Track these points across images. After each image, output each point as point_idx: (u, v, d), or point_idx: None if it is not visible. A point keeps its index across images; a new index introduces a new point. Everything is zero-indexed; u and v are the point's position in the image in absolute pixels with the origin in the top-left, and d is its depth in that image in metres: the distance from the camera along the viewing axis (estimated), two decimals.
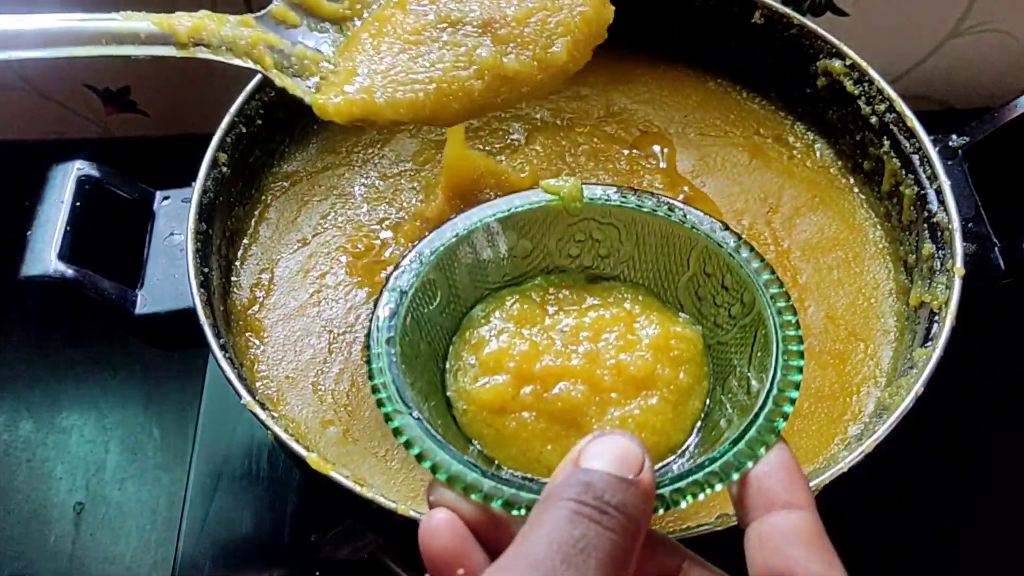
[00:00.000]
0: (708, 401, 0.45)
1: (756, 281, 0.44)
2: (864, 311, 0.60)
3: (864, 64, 0.63)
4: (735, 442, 0.38)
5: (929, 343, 0.54)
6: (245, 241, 0.62)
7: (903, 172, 0.61)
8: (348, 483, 0.47)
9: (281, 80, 0.50)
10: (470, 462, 0.38)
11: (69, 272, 0.55)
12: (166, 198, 0.61)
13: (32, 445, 0.76)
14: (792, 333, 0.42)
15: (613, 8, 0.53)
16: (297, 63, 0.51)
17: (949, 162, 0.61)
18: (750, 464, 0.37)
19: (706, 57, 0.71)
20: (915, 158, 0.60)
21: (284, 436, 0.49)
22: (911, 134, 0.61)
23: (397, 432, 0.39)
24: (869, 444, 0.49)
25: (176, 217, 0.60)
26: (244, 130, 0.61)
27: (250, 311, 0.59)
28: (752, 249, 0.45)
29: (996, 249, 0.60)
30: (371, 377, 0.41)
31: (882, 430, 0.49)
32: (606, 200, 0.48)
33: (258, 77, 0.62)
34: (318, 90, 0.50)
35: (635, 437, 0.35)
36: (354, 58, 0.51)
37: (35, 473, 0.75)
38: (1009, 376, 0.78)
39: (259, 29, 0.51)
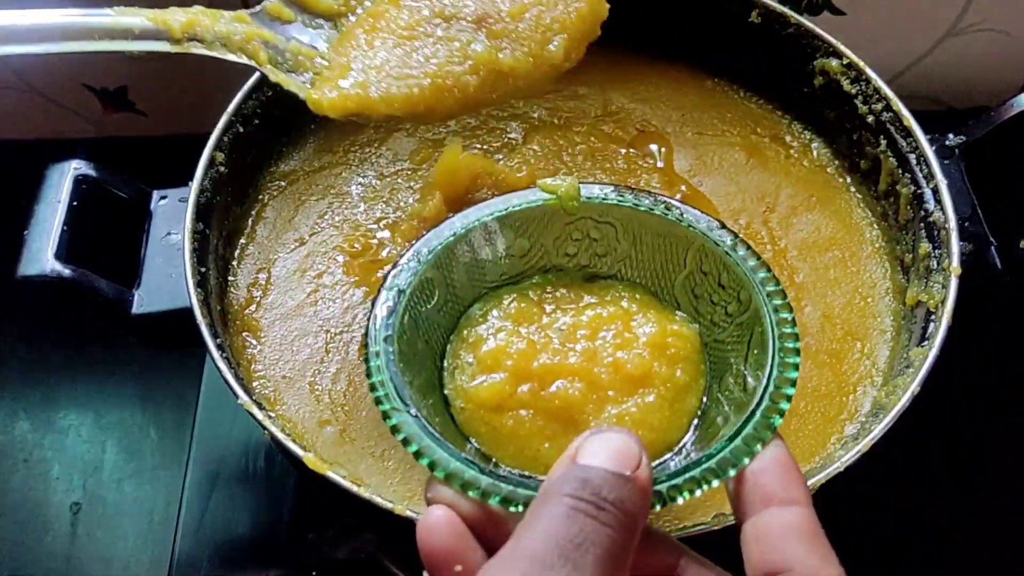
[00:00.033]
0: (705, 399, 0.46)
1: (752, 279, 0.44)
2: (861, 310, 0.60)
3: (861, 63, 0.63)
4: (732, 439, 0.38)
5: (925, 342, 0.54)
6: (242, 241, 0.62)
7: (900, 171, 0.61)
8: (345, 483, 0.47)
9: (275, 76, 0.50)
10: (468, 459, 0.38)
11: (66, 272, 0.55)
12: (163, 198, 0.61)
13: (29, 445, 0.76)
14: (788, 331, 0.42)
15: (608, 5, 0.53)
16: (292, 59, 0.51)
17: (946, 161, 0.61)
18: (747, 461, 0.37)
19: (703, 56, 0.71)
20: (912, 157, 0.60)
21: (281, 436, 0.49)
22: (908, 133, 0.61)
23: (395, 430, 0.39)
24: (865, 443, 0.49)
25: (173, 217, 0.60)
26: (241, 130, 0.61)
27: (247, 311, 0.59)
28: (748, 247, 0.45)
29: (992, 248, 0.60)
30: (369, 375, 0.41)
31: (878, 429, 0.49)
32: (603, 199, 0.48)
33: (255, 77, 0.62)
34: (313, 85, 0.50)
35: (632, 434, 0.35)
36: (348, 54, 0.51)
37: (32, 473, 0.75)
38: (1006, 375, 0.78)
39: (253, 25, 0.51)
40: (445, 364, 0.47)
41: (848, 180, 0.66)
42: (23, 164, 0.63)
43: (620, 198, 0.48)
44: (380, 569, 0.62)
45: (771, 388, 0.40)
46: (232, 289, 0.60)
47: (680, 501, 0.37)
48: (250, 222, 0.63)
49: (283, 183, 0.65)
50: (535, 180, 0.49)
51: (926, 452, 0.72)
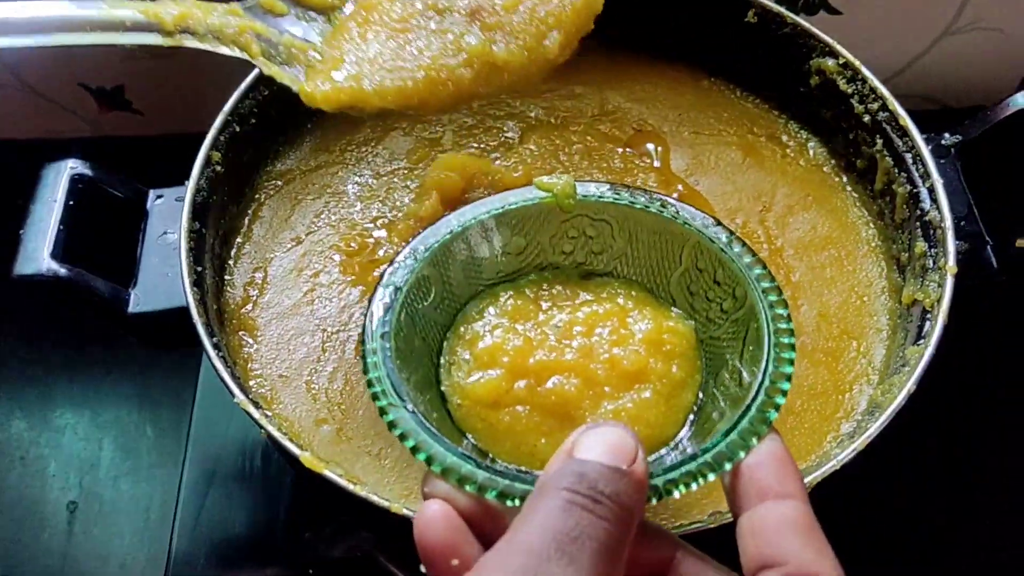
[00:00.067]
0: (701, 395, 0.46)
1: (748, 276, 0.44)
2: (857, 309, 0.60)
3: (857, 63, 0.63)
4: (728, 433, 0.38)
5: (921, 341, 0.54)
6: (238, 240, 0.62)
7: (896, 170, 0.61)
8: (342, 482, 0.47)
9: (268, 68, 0.50)
10: (464, 454, 0.38)
11: (62, 271, 0.55)
12: (159, 197, 0.61)
13: (25, 443, 0.76)
14: (784, 326, 0.42)
15: None
16: (285, 52, 0.51)
17: (942, 160, 0.61)
18: (742, 454, 0.37)
19: (700, 56, 0.71)
20: (908, 156, 0.60)
21: (277, 435, 0.49)
22: (904, 132, 0.61)
23: (392, 425, 0.39)
24: (861, 442, 0.49)
25: (169, 216, 0.60)
26: (238, 129, 0.61)
27: (243, 310, 0.59)
28: (744, 244, 0.45)
29: (988, 247, 0.60)
30: (366, 371, 0.41)
31: (874, 428, 0.49)
32: (599, 197, 0.48)
33: (252, 76, 0.62)
34: (306, 78, 0.50)
35: (628, 428, 0.36)
36: (341, 46, 0.50)
37: (28, 471, 0.75)
38: (1001, 374, 0.78)
39: (246, 18, 0.50)
40: (442, 361, 0.47)
41: (844, 179, 0.66)
42: (19, 163, 0.63)
43: (616, 196, 0.48)
44: (377, 567, 0.62)
45: (767, 383, 0.40)
46: (228, 288, 0.60)
47: (676, 495, 0.37)
48: (246, 221, 0.63)
49: (279, 182, 0.65)
50: (532, 180, 0.50)
51: (922, 450, 0.72)
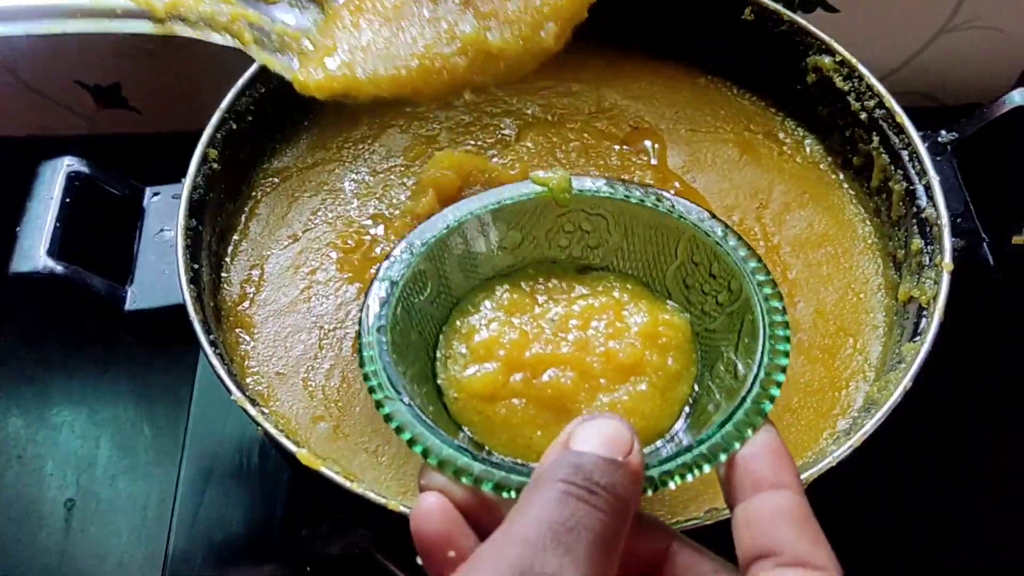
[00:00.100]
0: (696, 387, 0.46)
1: (743, 268, 0.44)
2: (853, 306, 0.60)
3: (854, 60, 0.63)
4: (723, 425, 0.38)
5: (917, 338, 0.54)
6: (235, 237, 0.62)
7: (892, 168, 0.61)
8: (338, 479, 0.47)
9: (261, 56, 0.49)
10: (461, 447, 0.38)
11: (58, 268, 0.55)
12: (156, 194, 0.61)
13: (22, 442, 0.76)
14: (779, 319, 0.42)
15: None
16: (278, 40, 0.50)
17: (938, 158, 0.61)
18: (737, 446, 0.37)
19: (697, 53, 0.71)
20: (904, 154, 0.61)
21: (274, 432, 0.49)
22: (900, 130, 0.61)
23: (388, 418, 0.39)
24: (857, 438, 0.49)
25: (166, 213, 0.60)
26: (234, 126, 0.61)
27: (240, 307, 0.59)
28: (739, 237, 0.45)
29: (985, 244, 0.60)
30: (362, 365, 0.41)
31: (870, 424, 0.50)
32: (594, 191, 0.48)
33: (248, 73, 0.62)
34: (300, 66, 0.50)
35: (624, 420, 0.36)
36: (334, 34, 0.50)
37: (26, 470, 0.75)
38: (997, 371, 0.78)
39: (238, 5, 0.50)
40: (438, 355, 0.47)
41: (841, 176, 0.66)
42: (15, 161, 0.63)
43: (611, 190, 0.48)
44: (373, 564, 0.62)
45: (761, 375, 0.40)
46: (225, 286, 0.60)
47: (672, 486, 0.37)
48: (243, 219, 0.63)
49: (276, 180, 0.65)
50: (528, 176, 0.50)
51: (918, 447, 0.72)
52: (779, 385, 0.40)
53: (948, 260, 0.55)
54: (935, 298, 0.55)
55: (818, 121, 0.67)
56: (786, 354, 0.41)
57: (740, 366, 0.43)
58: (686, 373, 0.46)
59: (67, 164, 0.58)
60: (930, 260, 0.57)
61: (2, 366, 0.80)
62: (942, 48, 0.86)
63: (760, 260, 0.44)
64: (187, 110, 0.69)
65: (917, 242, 0.58)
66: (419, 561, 0.37)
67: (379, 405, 0.40)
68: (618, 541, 0.33)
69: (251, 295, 0.59)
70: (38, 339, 0.82)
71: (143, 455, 0.75)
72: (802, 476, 0.47)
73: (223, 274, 0.60)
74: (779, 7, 0.66)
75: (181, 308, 0.53)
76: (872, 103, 0.63)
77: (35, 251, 0.55)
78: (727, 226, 0.46)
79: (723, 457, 0.37)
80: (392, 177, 0.65)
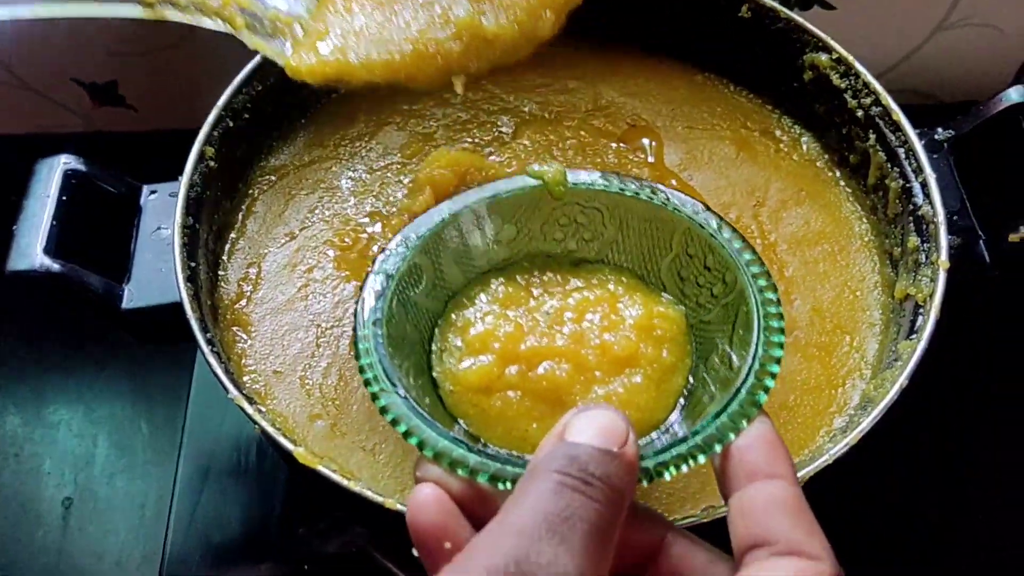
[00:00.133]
0: (691, 379, 0.46)
1: (738, 260, 0.44)
2: (850, 304, 0.60)
3: (850, 58, 0.63)
4: (718, 415, 0.39)
5: (914, 336, 0.54)
6: (232, 235, 0.62)
7: (889, 165, 0.61)
8: (335, 477, 0.47)
9: (252, 41, 0.49)
10: (456, 438, 0.38)
11: (55, 267, 0.55)
12: (153, 192, 0.61)
13: (20, 440, 0.76)
14: (773, 310, 0.42)
15: None
16: (270, 25, 0.50)
17: (935, 155, 0.61)
18: (732, 436, 0.38)
19: (694, 51, 0.71)
20: (901, 151, 0.61)
21: (271, 430, 0.49)
22: (897, 127, 0.61)
23: (384, 410, 0.40)
24: (854, 436, 0.49)
25: (163, 211, 0.60)
26: (231, 124, 0.61)
27: (237, 305, 0.59)
28: (733, 229, 0.45)
29: (981, 242, 0.60)
30: (358, 357, 0.41)
31: (867, 422, 0.50)
32: (589, 184, 0.48)
33: (245, 71, 0.62)
34: (292, 51, 0.49)
35: (619, 411, 0.36)
36: (327, 19, 0.49)
37: (23, 468, 0.75)
38: (994, 369, 0.79)
39: None
40: (433, 348, 0.47)
41: (837, 174, 0.66)
42: (12, 159, 0.63)
43: (606, 183, 0.48)
44: (371, 562, 0.62)
45: (756, 366, 0.40)
46: (222, 284, 0.60)
47: (667, 477, 0.37)
48: (240, 217, 0.63)
49: (273, 177, 0.65)
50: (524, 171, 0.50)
51: (914, 445, 0.72)
52: (773, 376, 0.40)
53: (944, 258, 0.55)
54: (931, 296, 0.55)
55: (815, 118, 0.67)
56: (781, 345, 0.41)
57: (735, 358, 0.43)
58: (681, 365, 0.46)
59: (64, 162, 0.58)
60: (926, 258, 0.57)
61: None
62: (939, 45, 0.86)
63: (755, 252, 0.44)
64: (184, 108, 0.69)
65: (913, 240, 0.58)
66: (415, 553, 0.37)
67: (375, 397, 0.40)
68: (613, 532, 0.33)
69: (248, 293, 0.59)
70: (35, 337, 0.82)
71: (141, 453, 0.75)
72: (799, 474, 0.47)
73: (220, 272, 0.60)
74: (776, 4, 0.66)
75: (178, 306, 0.53)
76: (869, 100, 0.63)
77: (32, 249, 0.55)
78: (721, 219, 0.46)
79: (718, 448, 0.38)
80: (389, 175, 0.65)
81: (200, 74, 0.80)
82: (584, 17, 0.69)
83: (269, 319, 0.58)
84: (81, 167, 0.59)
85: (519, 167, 0.63)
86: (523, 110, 0.69)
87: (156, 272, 0.57)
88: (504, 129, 0.67)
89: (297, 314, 0.59)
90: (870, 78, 0.62)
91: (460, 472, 0.37)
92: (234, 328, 0.58)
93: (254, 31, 0.49)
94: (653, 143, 0.68)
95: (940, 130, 0.63)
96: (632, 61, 0.72)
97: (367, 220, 0.63)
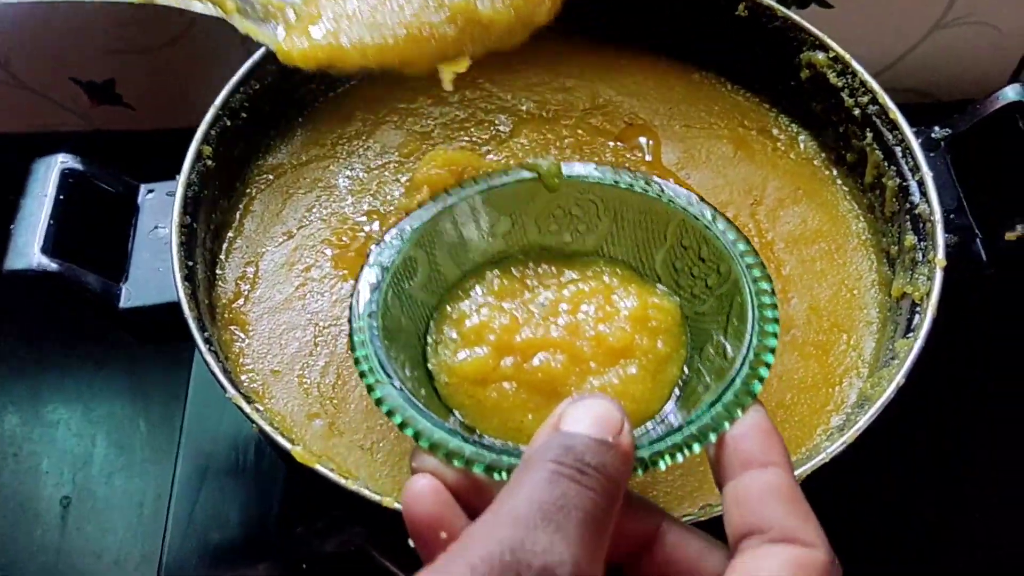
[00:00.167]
0: (686, 369, 0.46)
1: (732, 251, 0.44)
2: (847, 302, 0.60)
3: (847, 56, 0.63)
4: (713, 404, 0.39)
5: (911, 334, 0.54)
6: (230, 234, 0.62)
7: (886, 164, 0.61)
8: (333, 476, 0.47)
9: (244, 26, 0.48)
10: (452, 429, 0.39)
11: (52, 266, 0.55)
12: (150, 191, 0.61)
13: (18, 439, 0.76)
14: (767, 300, 0.42)
15: None
16: (261, 8, 0.49)
17: (931, 154, 0.62)
18: (727, 425, 0.38)
19: (691, 49, 0.71)
20: (897, 150, 0.61)
21: (269, 429, 0.49)
22: (893, 126, 0.61)
23: (379, 402, 0.40)
24: (851, 434, 0.49)
25: (161, 210, 0.60)
26: (228, 123, 0.61)
27: (235, 304, 0.59)
28: (728, 221, 0.45)
29: (978, 240, 0.60)
30: (353, 349, 0.41)
31: (864, 420, 0.50)
32: (584, 177, 0.48)
33: (243, 70, 0.62)
34: (284, 36, 0.49)
35: (614, 400, 0.36)
36: (319, 3, 0.48)
37: (21, 467, 0.75)
38: (991, 367, 0.79)
39: None
40: (429, 340, 0.47)
41: (835, 173, 0.66)
42: (9, 158, 0.63)
43: (601, 176, 0.48)
44: (369, 561, 0.62)
45: (751, 356, 0.40)
46: (220, 283, 0.60)
47: (662, 466, 0.38)
48: (238, 216, 0.63)
49: (271, 176, 0.65)
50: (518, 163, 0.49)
51: (911, 443, 0.72)
52: (768, 366, 0.40)
53: (941, 256, 0.55)
54: (928, 294, 0.55)
55: (812, 117, 0.68)
56: (775, 335, 0.41)
57: (729, 348, 0.43)
58: (676, 356, 0.46)
59: (61, 161, 0.58)
60: (923, 256, 0.57)
61: None
62: (936, 44, 0.86)
63: (749, 243, 0.45)
64: (181, 107, 0.69)
65: (910, 238, 0.58)
66: (411, 543, 0.37)
67: (370, 389, 0.40)
68: (608, 521, 0.33)
69: (246, 292, 0.59)
70: (33, 337, 0.82)
71: (139, 452, 0.76)
72: (796, 472, 0.48)
73: (218, 271, 0.60)
74: (773, 3, 0.66)
75: (176, 306, 0.53)
76: (866, 99, 0.63)
77: (29, 248, 0.55)
78: (716, 210, 0.46)
79: (713, 437, 0.38)
80: (386, 174, 0.65)
81: (198, 73, 0.80)
82: (582, 16, 0.70)
83: (267, 318, 0.58)
84: (78, 166, 0.59)
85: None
86: (521, 109, 0.69)
87: (153, 271, 0.57)
88: (502, 128, 0.67)
89: (295, 313, 0.59)
90: (867, 77, 0.63)
91: (456, 463, 0.37)
92: (232, 327, 0.58)
93: (245, 15, 0.48)
94: (651, 142, 0.68)
95: (937, 128, 0.63)
96: (630, 60, 0.72)
97: (365, 219, 0.63)
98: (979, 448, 0.76)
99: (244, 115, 0.62)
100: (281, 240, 0.62)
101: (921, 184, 0.59)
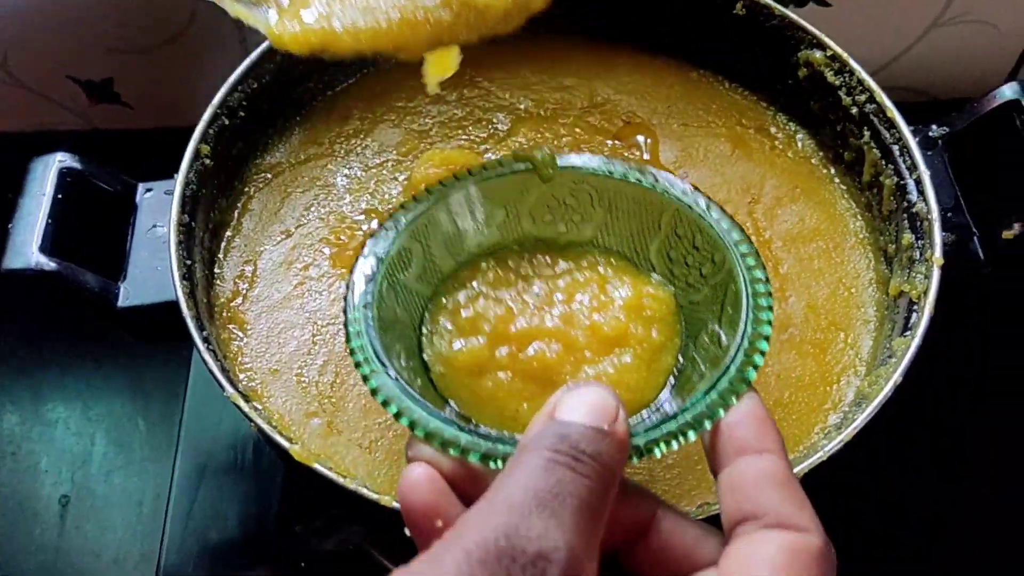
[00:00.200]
0: (681, 358, 0.46)
1: (726, 240, 0.44)
2: (844, 300, 0.60)
3: (845, 55, 0.63)
4: (708, 392, 0.39)
5: (908, 332, 0.54)
6: (228, 233, 0.62)
7: (883, 162, 0.62)
8: (332, 475, 0.47)
9: (235, 10, 0.48)
10: (447, 418, 0.39)
11: (51, 265, 0.55)
12: (148, 190, 0.61)
13: (17, 438, 0.76)
14: (761, 288, 0.42)
15: None
16: None
17: (929, 152, 0.62)
18: (722, 412, 0.38)
19: (689, 48, 0.71)
20: (895, 148, 0.61)
21: (267, 428, 0.49)
22: (891, 124, 0.61)
23: (375, 392, 0.40)
24: (849, 433, 0.49)
25: (159, 209, 0.59)
26: (227, 122, 0.61)
27: (233, 303, 0.59)
28: (722, 210, 0.45)
29: (975, 239, 0.60)
30: (348, 340, 0.41)
31: (861, 419, 0.50)
32: (578, 167, 0.48)
33: (241, 69, 0.62)
34: (277, 20, 0.49)
35: (609, 388, 0.36)
36: None
37: (20, 466, 0.75)
38: (988, 366, 0.79)
39: None
40: (424, 331, 0.47)
41: (832, 171, 0.67)
42: (7, 156, 0.63)
43: (595, 166, 0.48)
44: (367, 560, 0.62)
45: (745, 343, 0.40)
46: (218, 282, 0.60)
47: (657, 454, 0.38)
48: (236, 214, 0.63)
49: (269, 175, 0.65)
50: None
51: (909, 442, 0.72)
52: (763, 353, 0.40)
53: (939, 255, 0.56)
54: (926, 293, 0.55)
55: (810, 116, 0.68)
56: (769, 323, 0.41)
57: (724, 336, 0.43)
58: (670, 344, 0.46)
59: (59, 160, 0.58)
60: (921, 255, 0.57)
61: None
62: (933, 43, 0.86)
63: (743, 231, 0.44)
64: (180, 106, 0.69)
65: (908, 237, 0.59)
66: (407, 532, 0.37)
67: (365, 379, 0.40)
68: (604, 508, 0.33)
69: (244, 291, 0.59)
70: (33, 336, 0.82)
71: (138, 451, 0.76)
72: (794, 470, 0.48)
73: (216, 270, 0.60)
74: (771, 1, 0.66)
75: (174, 304, 0.53)
76: (863, 98, 0.63)
77: (27, 248, 0.55)
78: (710, 199, 0.46)
79: (708, 424, 0.38)
80: (384, 172, 0.65)
81: (196, 72, 0.80)
82: (581, 15, 0.70)
83: (265, 317, 0.58)
84: (76, 165, 0.59)
85: None
86: (519, 107, 0.69)
87: (152, 270, 0.57)
88: (500, 126, 0.67)
89: (293, 312, 0.59)
90: (864, 75, 0.63)
91: (451, 451, 0.37)
92: (230, 326, 0.58)
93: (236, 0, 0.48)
94: (648, 140, 0.68)
95: (934, 127, 0.63)
96: (627, 58, 0.72)
97: (363, 218, 0.63)
98: (976, 446, 0.76)
99: (242, 114, 0.62)
100: (279, 239, 0.62)
101: (918, 182, 0.59)
